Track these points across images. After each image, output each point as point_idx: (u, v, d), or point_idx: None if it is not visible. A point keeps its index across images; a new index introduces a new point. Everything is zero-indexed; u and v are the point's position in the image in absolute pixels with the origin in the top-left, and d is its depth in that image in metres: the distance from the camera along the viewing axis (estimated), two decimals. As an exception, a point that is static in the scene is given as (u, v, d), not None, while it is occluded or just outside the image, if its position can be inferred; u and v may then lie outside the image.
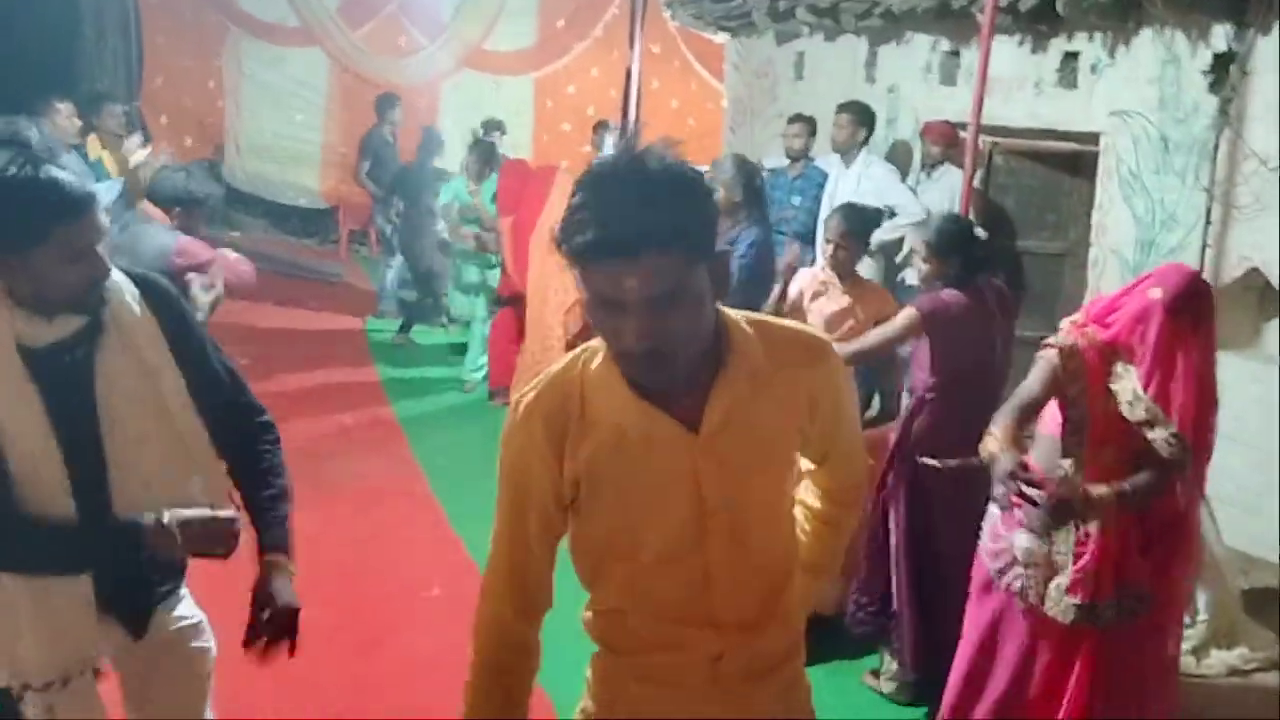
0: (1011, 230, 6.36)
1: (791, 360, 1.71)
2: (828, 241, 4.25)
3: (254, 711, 3.58)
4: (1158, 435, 2.78)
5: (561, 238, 1.52)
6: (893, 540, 3.80)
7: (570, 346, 6.47)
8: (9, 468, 2.00)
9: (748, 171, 4.81)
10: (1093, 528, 2.90)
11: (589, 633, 1.86)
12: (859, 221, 4.31)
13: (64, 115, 6.66)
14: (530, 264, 6.60)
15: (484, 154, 7.46)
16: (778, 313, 4.20)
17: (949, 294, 3.74)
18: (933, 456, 3.57)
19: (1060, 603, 2.95)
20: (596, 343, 1.69)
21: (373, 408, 7.07)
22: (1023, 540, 3.01)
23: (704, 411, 1.63)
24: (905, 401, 5.45)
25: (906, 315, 3.74)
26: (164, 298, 2.19)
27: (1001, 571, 3.07)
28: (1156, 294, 2.83)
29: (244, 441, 2.30)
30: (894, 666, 3.91)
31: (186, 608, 2.43)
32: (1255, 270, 4.95)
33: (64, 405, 2.05)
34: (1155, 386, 2.80)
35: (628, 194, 1.48)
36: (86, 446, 2.07)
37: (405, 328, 8.77)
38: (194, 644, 2.41)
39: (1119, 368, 2.85)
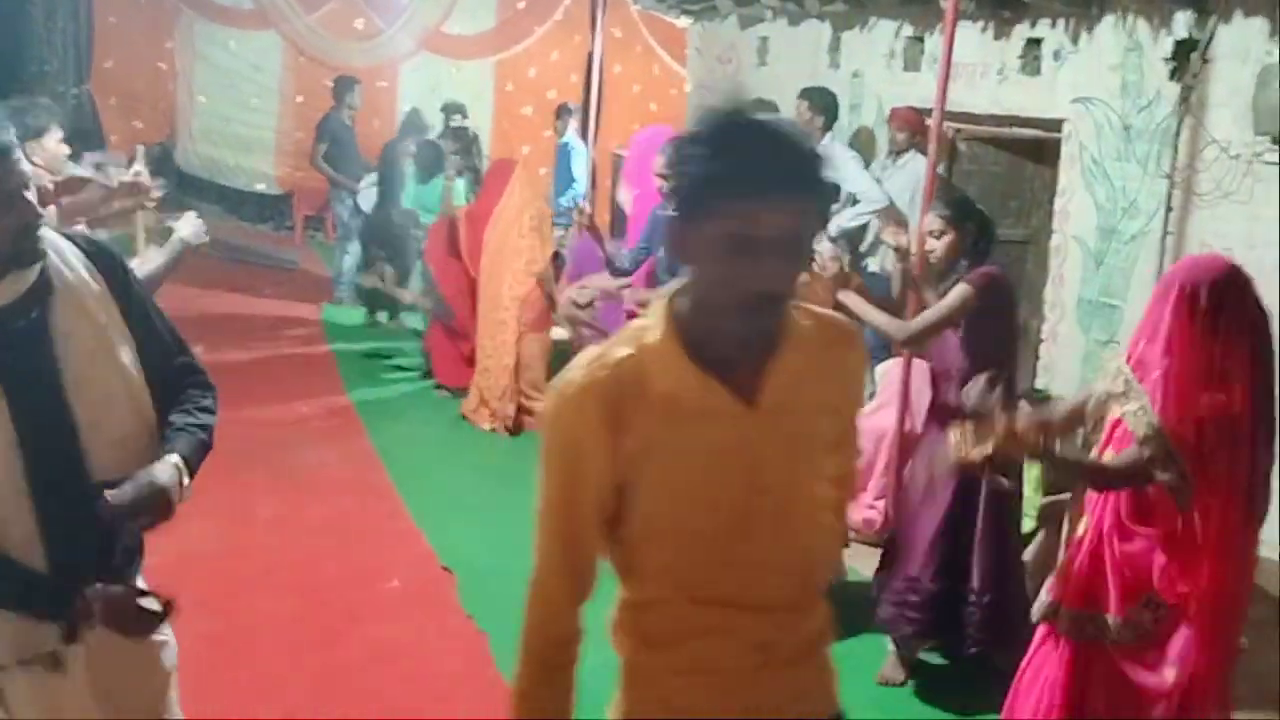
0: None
1: (835, 340, 1.74)
2: None
3: (215, 700, 3.50)
4: (1128, 409, 2.66)
5: (708, 177, 1.53)
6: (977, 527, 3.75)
7: (524, 333, 6.45)
8: None
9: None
10: (1080, 529, 2.83)
11: (621, 632, 1.79)
12: None
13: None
14: (485, 253, 6.54)
15: (461, 141, 7.24)
16: None
17: (993, 266, 3.71)
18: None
19: (1039, 602, 2.89)
20: (643, 320, 1.68)
21: (330, 396, 6.96)
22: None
23: (761, 385, 1.63)
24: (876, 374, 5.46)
25: (959, 293, 3.63)
26: (109, 260, 2.16)
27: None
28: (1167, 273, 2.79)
29: (184, 400, 2.25)
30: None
31: (145, 601, 2.37)
32: (1216, 257, 4.98)
33: (25, 369, 2.00)
34: (1137, 355, 2.70)
35: (780, 138, 1.53)
36: (54, 409, 2.03)
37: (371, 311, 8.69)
38: (155, 637, 2.33)
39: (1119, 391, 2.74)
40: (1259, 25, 4.63)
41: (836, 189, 6.16)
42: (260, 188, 12.22)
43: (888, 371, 5.10)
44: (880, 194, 6.14)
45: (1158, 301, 2.70)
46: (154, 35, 11.67)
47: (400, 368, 7.65)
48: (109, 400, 2.08)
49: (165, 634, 2.39)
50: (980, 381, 2.74)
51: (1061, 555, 2.95)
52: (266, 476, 5.42)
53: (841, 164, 6.29)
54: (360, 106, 9.29)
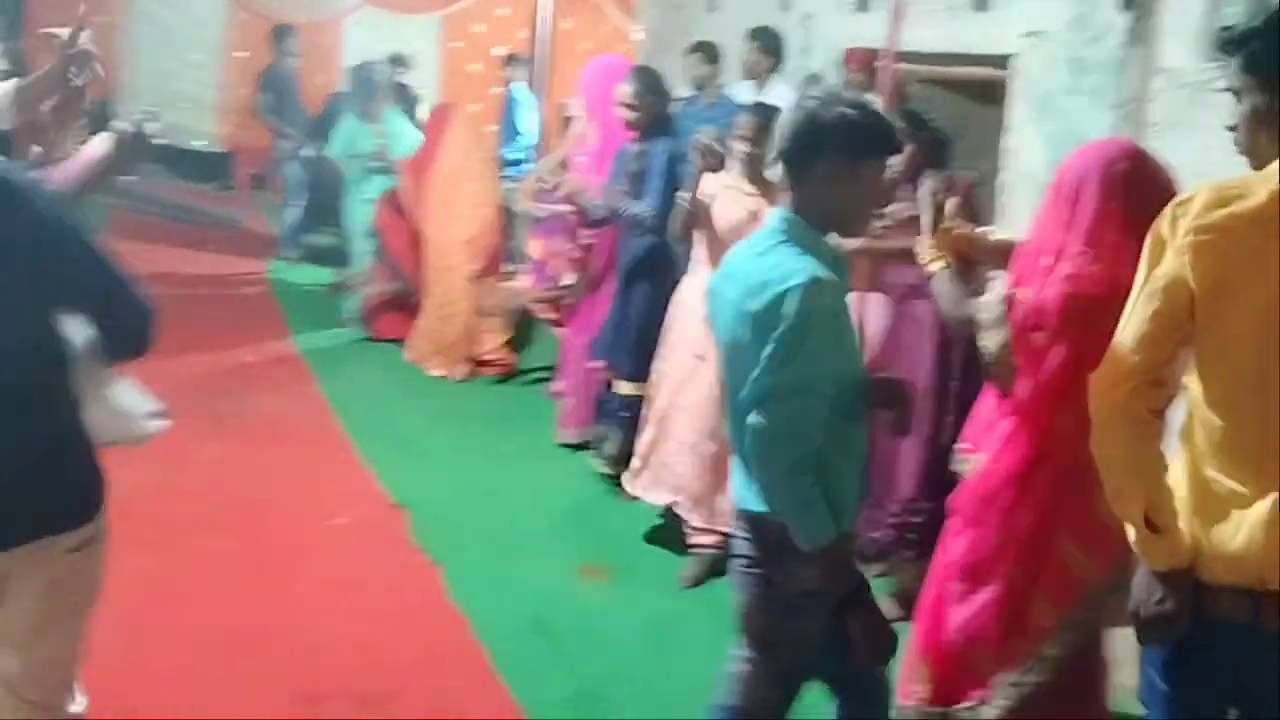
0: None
1: None
2: (737, 139, 4.11)
3: (157, 635, 3.43)
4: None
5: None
6: None
7: (479, 279, 6.36)
8: None
9: (659, 83, 4.80)
10: None
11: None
12: (768, 119, 4.15)
13: None
14: (430, 202, 6.43)
15: (363, 84, 7.06)
16: (694, 215, 4.11)
17: (964, 176, 3.73)
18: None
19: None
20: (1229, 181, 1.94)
21: (276, 344, 6.83)
22: None
23: None
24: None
25: (952, 205, 3.55)
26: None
27: None
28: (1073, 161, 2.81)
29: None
30: None
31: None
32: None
33: None
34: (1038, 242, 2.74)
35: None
36: None
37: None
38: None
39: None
40: (1208, -48, 4.63)
41: None
42: (201, 145, 11.96)
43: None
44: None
45: (1059, 182, 2.72)
46: (90, -12, 11.32)
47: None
48: None
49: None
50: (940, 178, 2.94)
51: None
52: (210, 422, 5.29)
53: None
54: (300, 55, 9.09)
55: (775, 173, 4.81)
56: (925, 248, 2.92)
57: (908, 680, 3.03)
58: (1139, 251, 2.30)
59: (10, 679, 2.25)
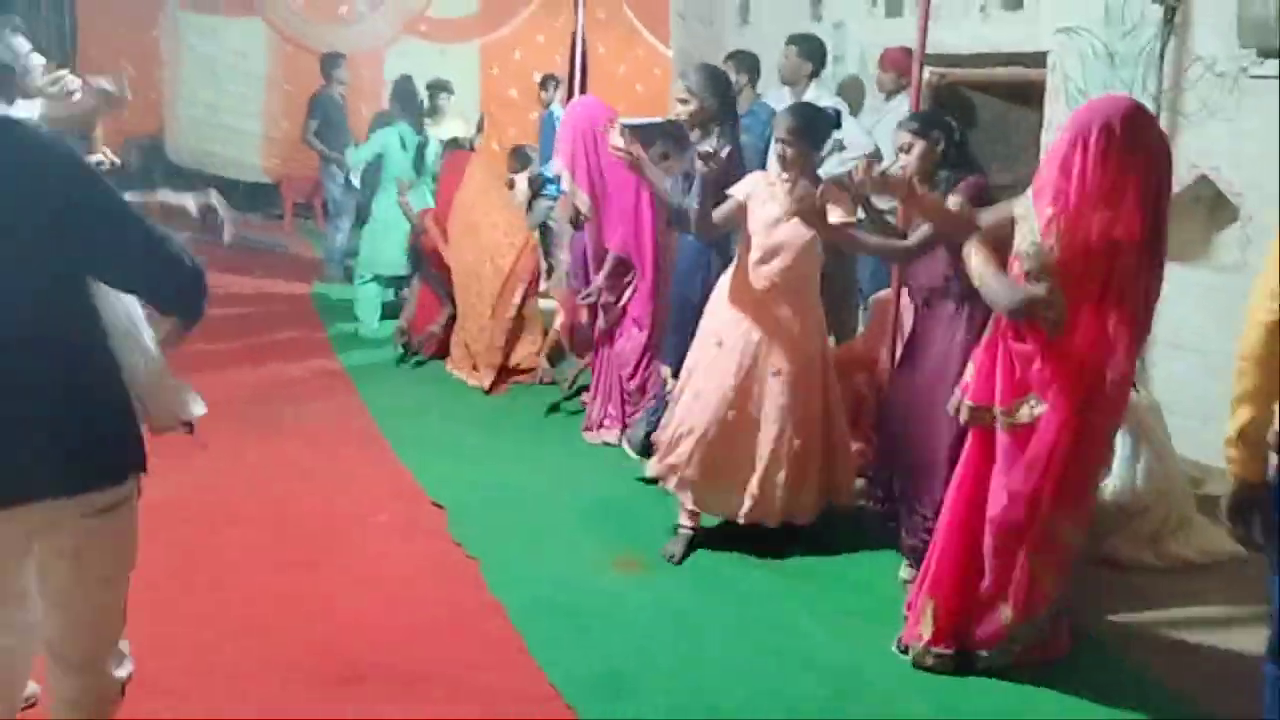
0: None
1: None
2: (776, 140, 4.13)
3: (213, 620, 3.50)
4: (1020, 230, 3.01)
5: None
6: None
7: (525, 299, 6.40)
8: None
9: (720, 81, 4.72)
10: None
11: None
12: (808, 118, 4.14)
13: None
14: (452, 235, 6.58)
15: (406, 95, 7.25)
16: (704, 214, 4.17)
17: (978, 178, 3.69)
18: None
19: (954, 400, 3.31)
20: None
21: (319, 359, 6.93)
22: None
23: None
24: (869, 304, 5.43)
25: (954, 204, 3.59)
26: None
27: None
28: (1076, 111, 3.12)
29: None
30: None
31: None
32: (1205, 179, 4.95)
33: None
34: (1038, 185, 3.01)
35: None
36: None
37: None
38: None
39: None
40: (1240, -61, 4.61)
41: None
42: (249, 178, 12.17)
43: (879, 302, 5.06)
44: (868, 140, 6.11)
45: (1063, 135, 2.97)
46: (138, 24, 11.58)
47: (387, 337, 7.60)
48: None
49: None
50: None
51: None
52: (258, 428, 5.39)
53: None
54: (348, 82, 9.27)
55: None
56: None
57: (914, 623, 3.35)
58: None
59: (50, 640, 2.29)
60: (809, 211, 3.68)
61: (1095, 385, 2.99)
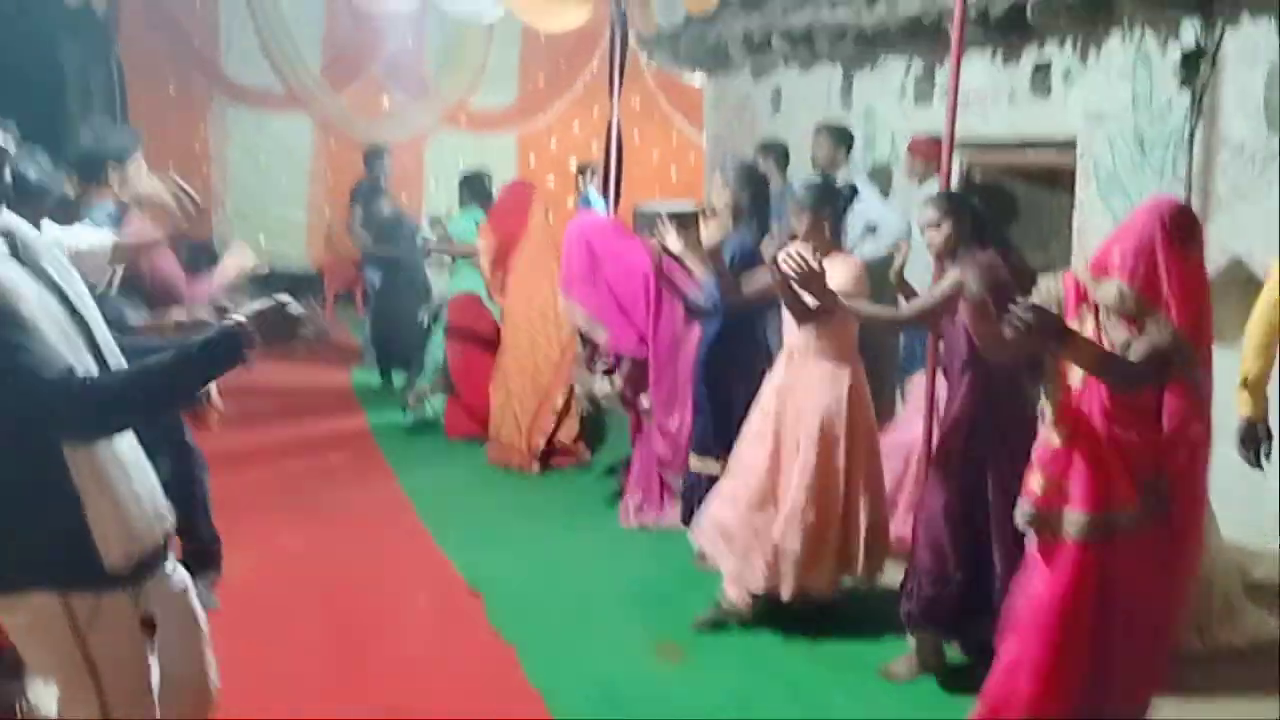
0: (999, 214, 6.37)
1: None
2: (793, 215, 4.28)
3: (235, 710, 3.48)
4: (1150, 330, 2.89)
5: None
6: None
7: (568, 380, 6.46)
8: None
9: (753, 177, 4.89)
10: (1055, 440, 3.01)
11: None
12: (816, 190, 4.33)
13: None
14: (512, 281, 6.56)
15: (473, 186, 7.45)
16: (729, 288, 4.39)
17: (987, 253, 3.73)
18: (987, 433, 3.71)
19: (1025, 512, 3.07)
20: None
21: (359, 446, 7.00)
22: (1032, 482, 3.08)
23: None
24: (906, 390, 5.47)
25: (950, 279, 3.70)
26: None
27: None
28: (1144, 209, 3.03)
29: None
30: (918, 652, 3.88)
31: (179, 573, 2.52)
32: (1238, 262, 4.95)
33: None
34: (1140, 281, 2.91)
35: None
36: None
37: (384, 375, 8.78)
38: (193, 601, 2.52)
39: (1098, 288, 2.98)
40: (1266, 27, 4.67)
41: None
42: (294, 269, 12.35)
43: (916, 386, 5.08)
44: (901, 223, 6.19)
45: (1138, 220, 3.01)
46: (187, 119, 11.90)
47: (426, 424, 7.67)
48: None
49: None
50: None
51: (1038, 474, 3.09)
52: (298, 514, 5.46)
53: (864, 194, 6.36)
54: (391, 173, 9.50)
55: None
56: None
57: None
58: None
59: None
60: (808, 279, 3.73)
61: (1207, 437, 3.05)
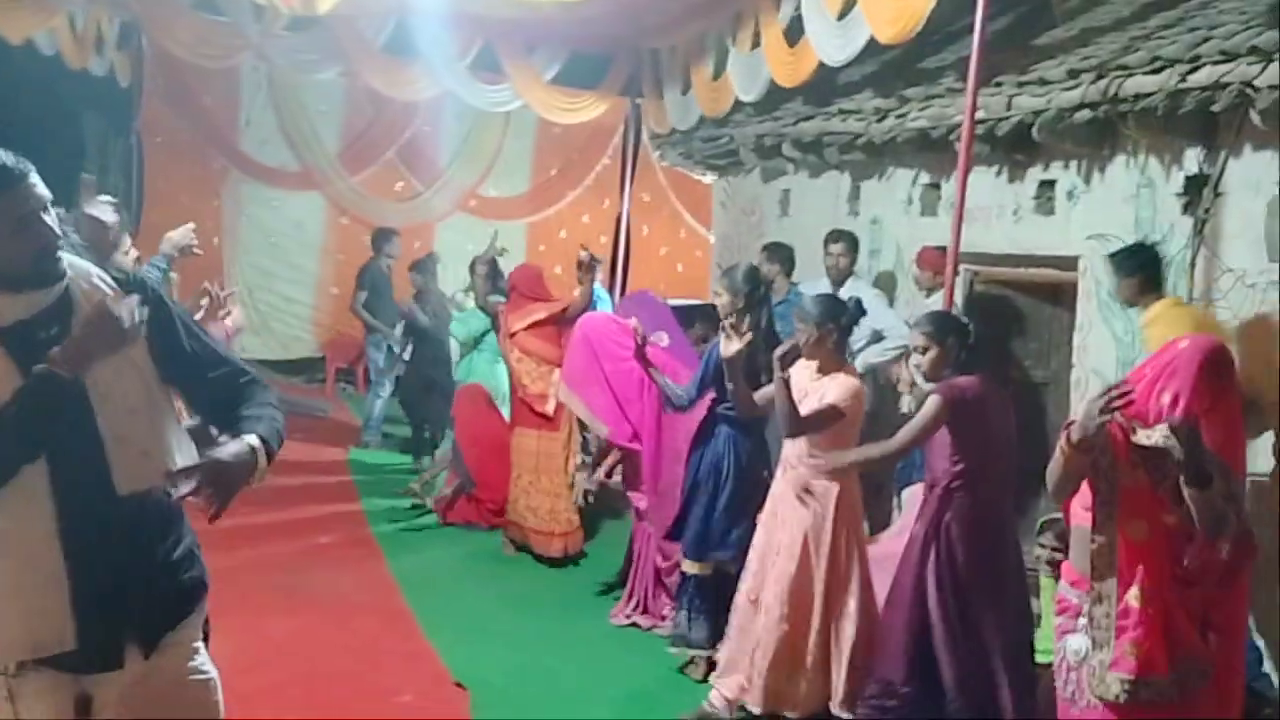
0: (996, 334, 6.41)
1: None
2: (798, 327, 4.33)
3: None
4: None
5: None
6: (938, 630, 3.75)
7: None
8: None
9: (752, 279, 4.98)
10: (1133, 600, 2.83)
11: None
12: (823, 304, 4.40)
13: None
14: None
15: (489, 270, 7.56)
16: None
17: (965, 379, 3.82)
18: (965, 545, 3.74)
19: (1104, 681, 2.84)
20: None
21: (351, 528, 6.97)
22: (1073, 643, 3.00)
23: None
24: (902, 499, 5.45)
25: (932, 404, 3.78)
26: (137, 285, 2.25)
27: (1065, 684, 3.04)
28: (1184, 344, 2.97)
29: (246, 397, 2.34)
30: None
31: (202, 661, 2.47)
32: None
33: None
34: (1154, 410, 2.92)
35: None
36: (81, 422, 2.10)
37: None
38: (210, 698, 2.47)
39: (1140, 434, 2.88)
40: (1268, 158, 4.75)
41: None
42: (298, 354, 12.42)
43: (913, 495, 5.06)
44: (906, 330, 6.22)
45: (1184, 355, 2.94)
46: (203, 193, 12.02)
47: (421, 506, 7.62)
48: (133, 414, 2.14)
49: (208, 670, 2.45)
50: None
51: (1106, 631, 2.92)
52: (284, 599, 5.38)
53: (870, 301, 6.40)
54: (398, 256, 9.60)
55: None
56: None
57: None
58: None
59: None
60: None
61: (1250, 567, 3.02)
